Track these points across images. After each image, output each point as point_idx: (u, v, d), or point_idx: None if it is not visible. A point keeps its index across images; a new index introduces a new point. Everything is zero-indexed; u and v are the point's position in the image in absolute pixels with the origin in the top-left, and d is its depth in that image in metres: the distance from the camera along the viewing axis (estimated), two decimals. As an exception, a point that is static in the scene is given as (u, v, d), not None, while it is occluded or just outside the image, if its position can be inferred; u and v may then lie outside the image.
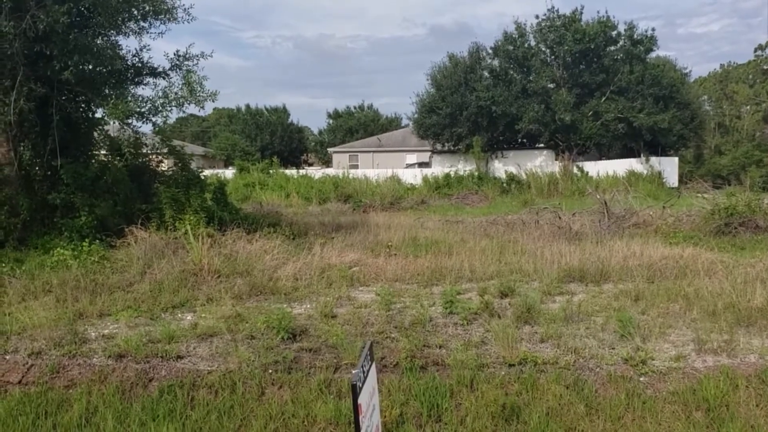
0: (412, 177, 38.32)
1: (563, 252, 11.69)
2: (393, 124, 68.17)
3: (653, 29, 39.71)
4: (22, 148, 14.51)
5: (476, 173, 37.71)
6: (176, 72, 15.55)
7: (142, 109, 14.45)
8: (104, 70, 13.90)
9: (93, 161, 15.43)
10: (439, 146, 43.67)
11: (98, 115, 15.73)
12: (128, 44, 19.79)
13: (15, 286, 9.94)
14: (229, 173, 39.34)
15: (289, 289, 9.74)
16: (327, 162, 59.54)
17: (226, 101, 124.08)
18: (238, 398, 6.13)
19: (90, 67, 13.55)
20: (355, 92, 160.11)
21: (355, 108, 71.35)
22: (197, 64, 15.69)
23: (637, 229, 16.00)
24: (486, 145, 39.85)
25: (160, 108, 14.46)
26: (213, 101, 15.18)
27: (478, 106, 38.05)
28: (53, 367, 6.86)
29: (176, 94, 14.54)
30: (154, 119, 14.83)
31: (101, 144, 16.23)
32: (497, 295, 8.93)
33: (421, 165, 45.21)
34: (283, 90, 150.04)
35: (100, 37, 14.18)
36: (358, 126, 66.41)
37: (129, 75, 15.41)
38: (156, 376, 6.67)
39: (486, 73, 40.46)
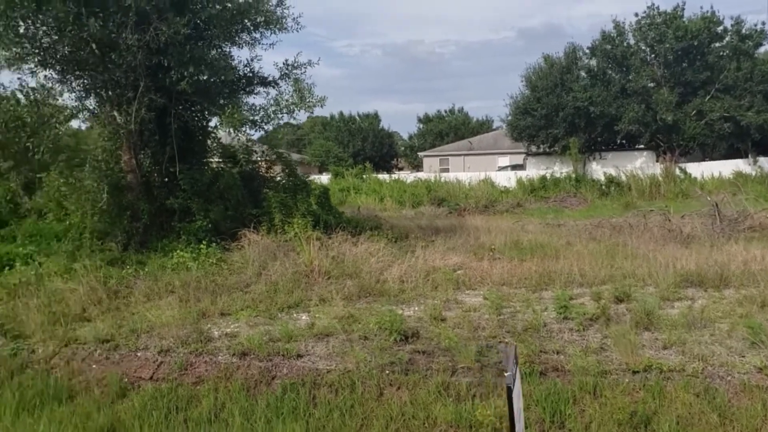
0: (506, 180, 37.76)
1: (677, 256, 11.17)
2: (484, 126, 67.65)
3: (763, 23, 37.15)
4: (142, 155, 15.31)
5: (573, 175, 36.64)
6: (285, 81, 15.98)
7: (255, 117, 15.02)
8: (218, 80, 14.50)
9: (206, 168, 16.12)
10: (533, 148, 42.89)
11: (212, 123, 16.46)
12: (240, 55, 20.59)
13: (139, 287, 10.52)
14: (324, 179, 40.16)
15: (396, 291, 9.84)
16: (417, 166, 59.73)
17: (319, 109, 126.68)
18: (357, 398, 6.26)
19: (204, 77, 14.18)
20: (445, 96, 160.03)
21: (445, 112, 71.37)
22: (305, 72, 16.09)
23: (754, 232, 15.11)
24: (583, 146, 38.71)
25: (272, 116, 14.96)
26: (322, 106, 15.55)
27: (574, 107, 37.09)
28: (181, 364, 7.23)
29: (287, 101, 14.98)
30: (266, 127, 15.37)
31: (214, 152, 16.95)
32: (612, 300, 8.66)
33: (514, 167, 44.50)
34: (374, 96, 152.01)
35: (214, 49, 14.85)
36: (448, 130, 66.37)
37: (241, 85, 15.95)
38: (278, 374, 6.92)
39: (583, 73, 39.43)
